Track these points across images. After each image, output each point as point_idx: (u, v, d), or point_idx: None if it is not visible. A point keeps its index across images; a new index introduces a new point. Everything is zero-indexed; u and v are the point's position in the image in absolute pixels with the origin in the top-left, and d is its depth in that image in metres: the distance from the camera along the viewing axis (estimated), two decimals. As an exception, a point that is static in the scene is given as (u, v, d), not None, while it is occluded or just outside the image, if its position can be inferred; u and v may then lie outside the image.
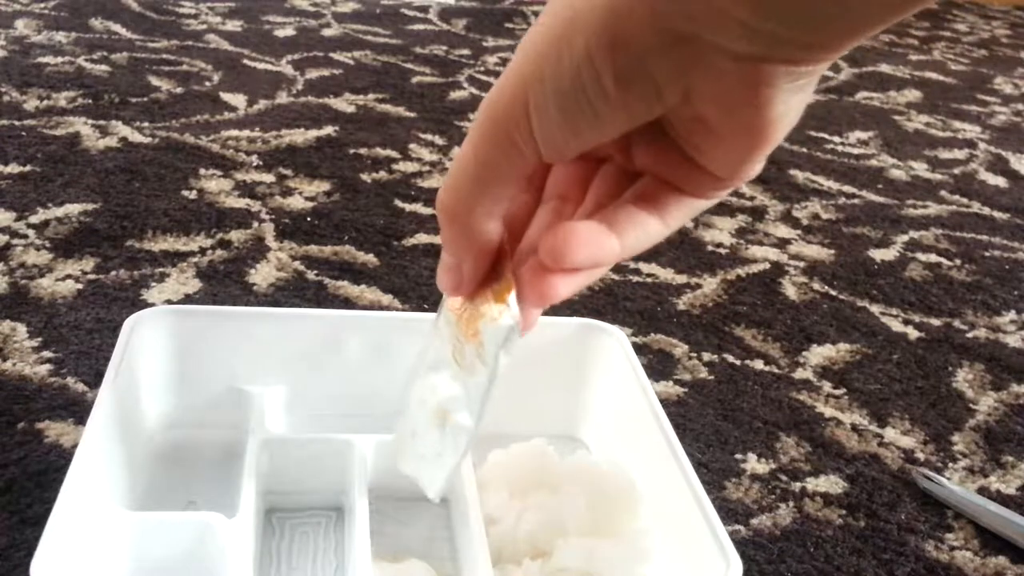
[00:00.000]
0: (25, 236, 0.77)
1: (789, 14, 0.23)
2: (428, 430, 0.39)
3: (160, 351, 0.55)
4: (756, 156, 0.28)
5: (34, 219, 0.79)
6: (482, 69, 1.37)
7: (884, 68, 1.68)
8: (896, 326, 0.82)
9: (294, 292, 0.74)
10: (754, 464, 0.62)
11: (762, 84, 0.25)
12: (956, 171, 1.22)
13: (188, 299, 0.71)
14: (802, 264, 0.90)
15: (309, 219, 0.85)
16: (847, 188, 1.11)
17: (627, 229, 0.30)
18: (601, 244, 0.30)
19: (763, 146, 0.28)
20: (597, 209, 0.32)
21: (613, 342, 0.58)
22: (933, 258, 0.96)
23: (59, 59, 1.17)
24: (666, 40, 0.25)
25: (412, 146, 1.05)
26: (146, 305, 0.68)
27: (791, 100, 0.26)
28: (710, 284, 0.84)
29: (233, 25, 1.42)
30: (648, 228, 0.31)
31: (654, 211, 0.31)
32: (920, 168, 1.21)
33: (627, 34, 0.25)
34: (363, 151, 1.02)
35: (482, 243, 0.32)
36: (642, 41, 0.25)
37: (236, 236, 0.81)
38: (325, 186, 0.93)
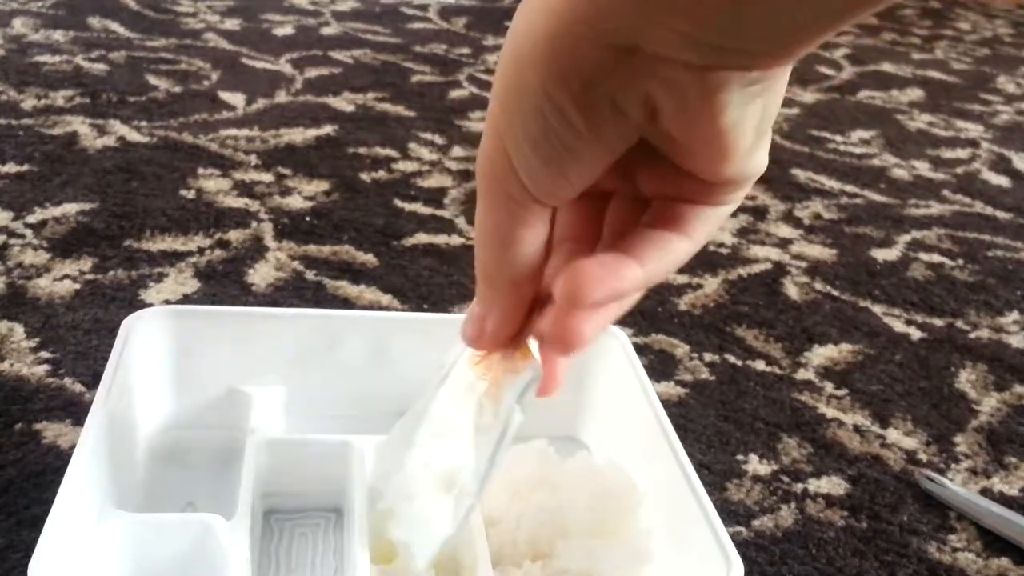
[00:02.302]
0: (23, 236, 0.76)
1: (730, 27, 0.23)
2: (429, 495, 0.37)
3: (158, 352, 0.54)
4: (727, 165, 0.28)
5: (31, 219, 0.79)
6: (482, 68, 1.37)
7: (886, 67, 1.68)
8: (898, 326, 0.81)
9: (293, 292, 0.73)
10: (756, 465, 0.61)
11: (715, 91, 0.25)
12: (959, 170, 1.21)
13: (186, 299, 0.70)
14: (804, 264, 0.90)
15: (308, 219, 0.85)
16: (849, 188, 1.10)
17: (648, 252, 0.29)
18: (620, 275, 0.29)
19: (728, 155, 0.27)
20: (615, 243, 0.31)
21: (614, 343, 0.58)
22: (936, 258, 0.95)
23: (57, 58, 1.17)
24: (614, 56, 0.24)
25: (412, 145, 1.05)
26: (144, 305, 0.68)
27: (747, 107, 0.26)
28: (711, 284, 0.84)
29: (232, 24, 1.41)
30: (671, 247, 0.30)
31: (675, 229, 0.30)
32: (923, 167, 1.21)
33: (576, 59, 0.25)
34: (362, 150, 1.02)
35: (516, 303, 0.31)
36: (591, 63, 0.24)
37: (234, 236, 0.80)
38: (324, 186, 0.92)
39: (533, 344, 0.31)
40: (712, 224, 0.30)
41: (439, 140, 1.08)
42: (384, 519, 0.42)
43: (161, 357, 0.55)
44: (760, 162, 0.28)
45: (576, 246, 0.32)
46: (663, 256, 0.30)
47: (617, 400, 0.57)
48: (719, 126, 0.26)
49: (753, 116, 0.26)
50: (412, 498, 0.38)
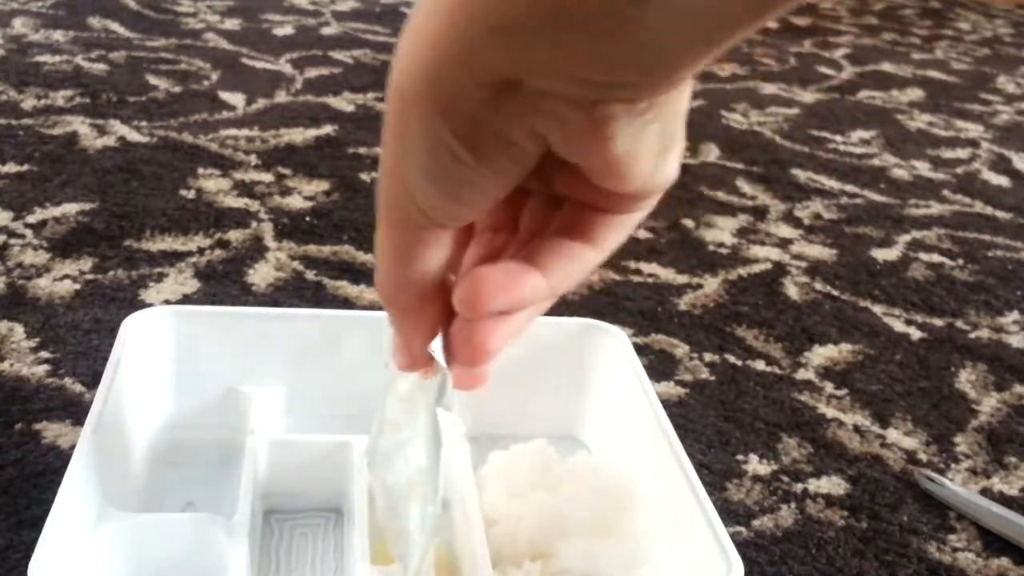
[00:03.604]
0: (23, 236, 0.76)
1: (601, 61, 0.22)
2: (404, 507, 0.37)
3: (158, 352, 0.54)
4: (628, 185, 0.27)
5: (32, 219, 0.79)
6: (482, 68, 1.37)
7: (886, 67, 1.68)
8: (898, 326, 0.81)
9: (293, 292, 0.73)
10: (756, 465, 0.61)
11: (602, 124, 0.24)
12: (959, 170, 1.21)
13: (186, 299, 0.70)
14: (804, 264, 0.90)
15: (308, 219, 0.85)
16: (849, 187, 1.10)
17: (553, 262, 0.29)
18: (520, 284, 0.28)
19: (627, 179, 0.26)
20: (531, 238, 0.30)
21: (614, 342, 0.58)
22: (936, 258, 0.95)
23: (57, 58, 1.17)
24: (494, 94, 0.24)
25: (412, 145, 1.05)
26: (144, 305, 0.68)
27: (640, 135, 0.25)
28: (711, 284, 0.84)
29: (232, 24, 1.41)
30: (578, 256, 0.29)
31: (581, 238, 0.29)
32: (922, 167, 1.21)
33: (455, 98, 0.24)
34: (362, 150, 1.02)
35: (426, 322, 0.31)
36: (471, 101, 0.24)
37: (234, 236, 0.80)
38: (324, 185, 0.92)
39: (436, 345, 0.31)
40: (621, 233, 0.30)
41: (439, 140, 1.07)
42: (383, 535, 0.42)
43: (161, 357, 0.55)
44: (667, 174, 0.27)
45: (492, 236, 0.31)
46: (569, 266, 0.29)
47: (617, 400, 0.57)
48: (611, 155, 0.25)
49: (649, 140, 0.26)
50: (395, 511, 0.38)
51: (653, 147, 0.26)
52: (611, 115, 0.24)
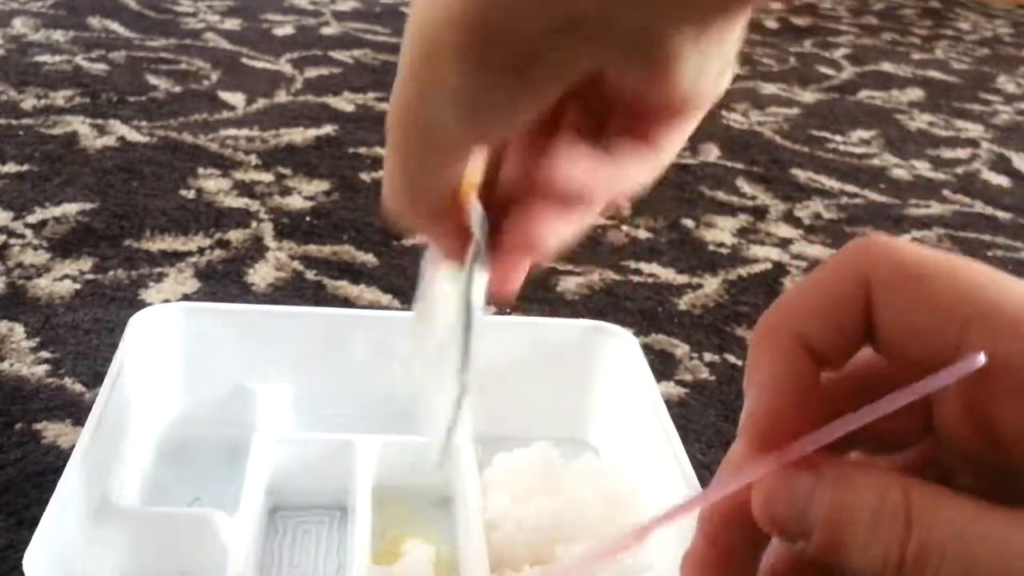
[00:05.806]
0: (23, 236, 0.76)
1: None
2: (434, 395, 0.36)
3: (166, 348, 0.55)
4: (689, 107, 0.26)
5: (32, 219, 0.79)
6: (482, 68, 1.37)
7: (886, 67, 1.68)
8: (899, 326, 0.81)
9: (293, 292, 0.73)
10: (758, 465, 0.61)
11: (672, 57, 0.24)
12: (959, 170, 1.21)
13: (186, 299, 0.70)
14: (804, 264, 0.90)
15: (308, 219, 0.85)
16: (849, 187, 1.10)
17: (620, 158, 0.28)
18: (598, 170, 0.27)
19: (690, 103, 0.26)
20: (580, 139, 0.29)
21: (621, 344, 0.58)
22: (935, 257, 0.95)
23: (57, 58, 1.17)
24: (554, 26, 0.22)
25: (412, 145, 1.05)
26: (144, 305, 0.68)
27: (705, 63, 0.24)
28: (711, 284, 0.84)
29: (232, 23, 1.41)
30: (641, 159, 0.28)
31: (643, 140, 0.28)
32: (922, 167, 1.21)
33: (504, 33, 0.23)
34: (362, 150, 1.02)
35: (451, 225, 0.29)
36: (526, 37, 0.22)
37: (235, 236, 0.80)
38: (324, 185, 0.92)
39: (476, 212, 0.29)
40: (683, 134, 0.28)
41: (439, 140, 1.07)
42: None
43: (169, 354, 0.55)
44: (724, 85, 0.26)
45: (528, 140, 0.30)
46: (636, 166, 0.28)
47: (624, 402, 0.57)
48: (677, 89, 0.25)
49: (713, 65, 0.25)
50: (430, 398, 0.37)
51: (715, 70, 0.25)
52: (677, 50, 0.23)
